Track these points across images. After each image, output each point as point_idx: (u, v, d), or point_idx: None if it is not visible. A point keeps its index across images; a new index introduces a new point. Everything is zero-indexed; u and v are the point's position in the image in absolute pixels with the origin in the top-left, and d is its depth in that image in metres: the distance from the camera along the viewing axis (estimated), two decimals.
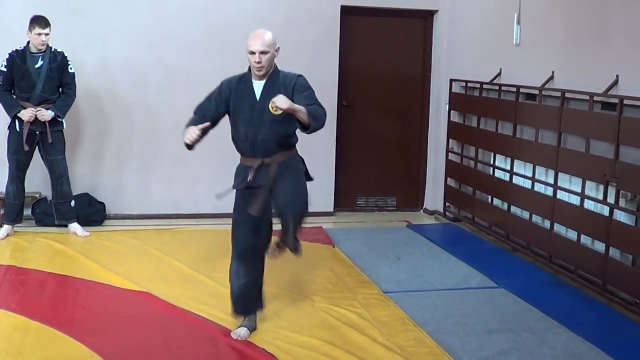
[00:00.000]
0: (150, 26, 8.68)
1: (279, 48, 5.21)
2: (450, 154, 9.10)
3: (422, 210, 9.80)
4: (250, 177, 5.15)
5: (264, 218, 5.23)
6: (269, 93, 5.08)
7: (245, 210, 5.17)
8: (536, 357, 5.15)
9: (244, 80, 5.25)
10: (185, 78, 8.80)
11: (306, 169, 5.41)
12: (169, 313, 5.80)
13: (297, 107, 4.83)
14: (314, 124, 4.96)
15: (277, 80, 5.17)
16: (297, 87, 5.14)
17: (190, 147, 5.22)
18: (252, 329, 5.41)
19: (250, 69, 5.24)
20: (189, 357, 5.02)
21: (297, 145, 5.36)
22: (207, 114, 5.25)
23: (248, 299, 5.44)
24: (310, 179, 5.42)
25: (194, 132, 5.05)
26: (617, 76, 6.21)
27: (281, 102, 4.73)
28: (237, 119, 5.21)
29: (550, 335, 5.52)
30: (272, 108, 4.97)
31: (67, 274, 6.68)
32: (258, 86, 5.18)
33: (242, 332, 5.35)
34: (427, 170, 9.76)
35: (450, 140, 9.09)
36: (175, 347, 5.18)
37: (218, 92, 5.32)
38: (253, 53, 5.07)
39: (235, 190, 5.35)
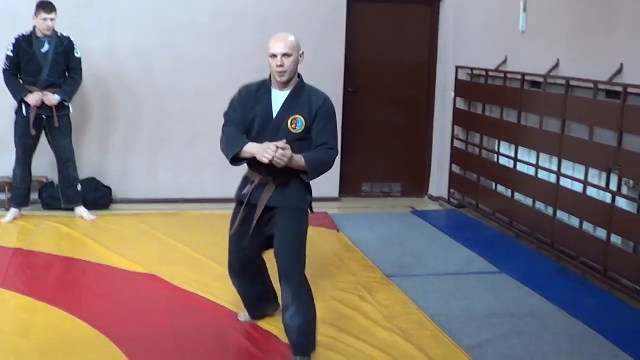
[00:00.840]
0: (156, 11, 8.71)
1: (303, 53, 4.72)
2: (455, 140, 9.13)
3: (426, 197, 9.84)
4: (247, 190, 4.78)
5: (255, 240, 4.87)
6: (290, 108, 4.66)
7: (237, 226, 4.86)
8: (536, 341, 5.20)
9: (264, 89, 4.76)
10: (192, 63, 8.85)
11: (310, 200, 4.86)
12: (175, 295, 5.87)
13: (295, 161, 4.48)
14: (313, 175, 4.61)
15: (301, 96, 4.69)
16: (321, 115, 4.66)
17: (240, 161, 4.72)
18: (257, 318, 5.39)
19: (270, 77, 4.76)
20: (193, 338, 5.08)
21: None
22: (240, 123, 4.72)
23: (258, 307, 5.31)
24: (311, 211, 4.91)
25: (271, 147, 4.46)
26: (622, 64, 6.23)
27: (277, 156, 4.40)
28: (250, 129, 4.72)
29: (551, 320, 5.57)
30: (291, 125, 4.62)
31: (73, 257, 6.76)
32: (277, 97, 4.71)
33: (247, 316, 5.40)
34: (432, 157, 9.80)
35: (456, 127, 9.12)
36: (180, 328, 5.24)
37: (239, 98, 4.80)
38: (275, 56, 4.59)
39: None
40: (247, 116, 4.71)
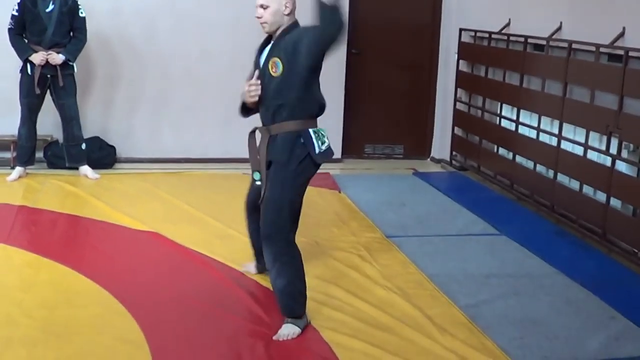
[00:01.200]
0: None
1: (289, 2, 4.53)
2: (457, 103, 9.15)
3: (429, 159, 9.89)
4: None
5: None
6: (272, 53, 4.56)
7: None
8: (533, 301, 5.26)
9: (265, 41, 4.72)
10: (195, 24, 8.86)
11: (301, 155, 4.59)
12: (176, 252, 5.95)
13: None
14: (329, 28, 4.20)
15: (284, 39, 4.52)
16: (303, 35, 4.43)
17: (248, 110, 4.79)
18: (261, 270, 5.42)
19: None
20: (193, 293, 5.14)
21: None
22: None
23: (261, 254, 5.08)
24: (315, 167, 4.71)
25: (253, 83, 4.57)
26: (624, 28, 6.23)
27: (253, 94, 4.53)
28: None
29: (548, 281, 5.63)
30: (271, 69, 4.52)
31: (77, 214, 6.83)
32: (269, 47, 4.65)
33: (250, 267, 5.49)
34: (435, 119, 9.82)
35: (458, 89, 9.13)
36: (181, 283, 5.33)
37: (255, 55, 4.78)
38: (256, 7, 4.54)
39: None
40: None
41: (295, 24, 4.60)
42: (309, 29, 4.39)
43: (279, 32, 4.57)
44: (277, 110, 4.56)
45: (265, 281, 5.36)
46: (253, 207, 5.09)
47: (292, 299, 4.66)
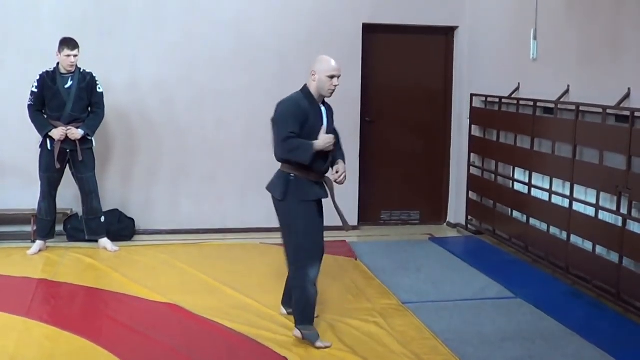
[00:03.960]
0: (177, 45, 8.94)
1: None
2: (471, 167, 9.24)
3: (445, 224, 9.94)
4: (317, 191, 5.60)
5: None
6: (329, 117, 5.66)
7: (319, 218, 5.64)
8: None
9: (311, 101, 5.56)
10: (213, 95, 9.07)
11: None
12: (194, 323, 6.00)
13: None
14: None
15: (329, 108, 5.73)
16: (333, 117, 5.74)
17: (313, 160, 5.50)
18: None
19: (302, 90, 5.60)
20: None
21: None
22: (297, 135, 5.47)
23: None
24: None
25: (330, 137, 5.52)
26: (629, 89, 6.34)
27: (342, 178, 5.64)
28: (313, 138, 5.47)
29: (563, 343, 5.64)
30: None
31: (96, 287, 6.93)
32: (322, 110, 5.64)
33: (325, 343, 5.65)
34: (450, 184, 9.90)
35: (472, 153, 9.23)
36: (198, 355, 5.37)
37: (294, 109, 5.47)
38: (333, 77, 5.51)
39: (289, 201, 5.58)
40: (302, 127, 5.46)
41: None
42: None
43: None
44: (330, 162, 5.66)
45: (281, 348, 5.42)
46: None
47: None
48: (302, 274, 5.56)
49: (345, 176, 5.61)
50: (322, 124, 5.54)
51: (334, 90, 5.55)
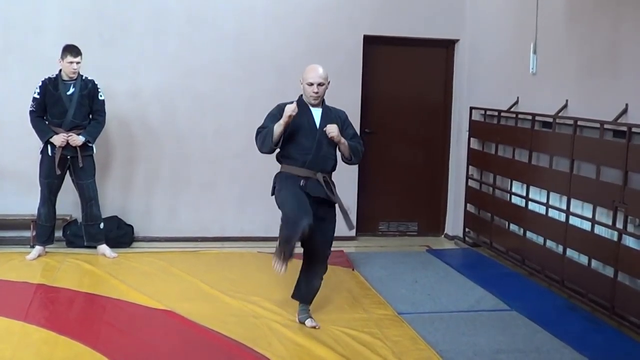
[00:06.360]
0: (179, 55, 9.00)
1: (329, 82, 6.06)
2: (469, 180, 9.29)
3: (442, 236, 9.98)
4: (302, 182, 5.90)
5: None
6: (326, 120, 5.98)
7: (299, 191, 5.87)
8: None
9: (301, 104, 5.96)
10: (213, 105, 9.12)
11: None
12: (190, 330, 6.04)
13: (342, 139, 5.94)
14: (354, 158, 6.12)
15: (330, 111, 6.09)
16: (346, 122, 6.17)
17: (276, 143, 5.89)
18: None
19: (301, 97, 6.05)
20: None
21: None
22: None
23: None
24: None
25: (291, 108, 5.79)
26: (626, 104, 6.39)
27: (334, 131, 5.84)
28: (298, 135, 5.93)
29: (558, 356, 5.68)
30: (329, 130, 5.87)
31: (94, 293, 6.96)
32: (315, 112, 6.02)
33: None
34: (448, 196, 9.95)
35: (470, 166, 9.28)
36: None
37: (278, 111, 5.95)
38: (311, 84, 5.92)
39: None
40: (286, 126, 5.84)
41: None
42: (348, 124, 6.22)
43: (321, 103, 6.06)
44: (333, 160, 6.06)
45: (277, 357, 5.45)
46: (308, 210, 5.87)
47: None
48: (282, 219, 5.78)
49: (334, 131, 5.86)
50: (312, 124, 5.96)
51: (316, 97, 5.96)
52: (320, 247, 6.13)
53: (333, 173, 6.16)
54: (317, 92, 5.94)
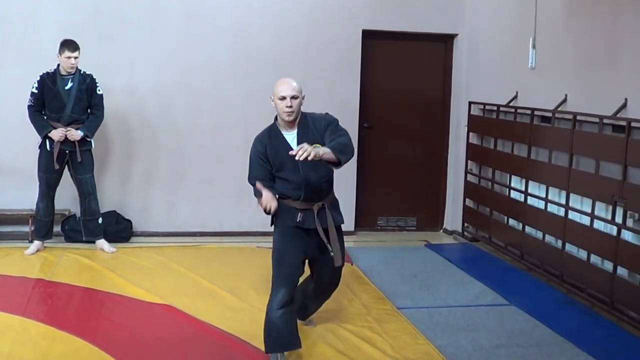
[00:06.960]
0: (176, 51, 8.98)
1: (304, 96, 5.28)
2: (468, 174, 9.28)
3: (441, 230, 9.98)
4: (299, 218, 5.26)
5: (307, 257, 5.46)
6: (304, 140, 5.04)
7: (293, 242, 5.31)
8: None
9: (274, 133, 5.29)
10: (210, 102, 9.11)
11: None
12: (189, 325, 6.05)
13: (320, 152, 4.85)
14: (343, 157, 5.01)
15: (307, 127, 5.25)
16: (329, 128, 5.23)
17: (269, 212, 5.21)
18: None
19: (275, 120, 5.32)
20: None
21: None
22: (266, 176, 5.28)
23: (291, 332, 5.34)
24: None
25: (271, 200, 5.11)
26: (626, 99, 6.38)
27: (303, 155, 4.67)
28: (284, 172, 5.26)
29: (556, 350, 5.68)
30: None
31: (93, 287, 6.96)
32: (290, 137, 5.25)
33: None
34: (447, 191, 9.94)
35: (469, 161, 9.27)
36: (193, 356, 5.41)
37: (256, 152, 5.31)
38: (284, 98, 5.13)
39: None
40: (268, 164, 5.27)
41: (303, 114, 5.33)
42: (329, 126, 5.24)
43: (296, 122, 5.26)
44: (328, 181, 5.39)
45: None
46: (297, 280, 5.47)
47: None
48: (269, 298, 5.32)
49: (303, 155, 4.69)
50: (290, 150, 4.97)
51: (290, 112, 5.15)
52: (331, 278, 5.65)
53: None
54: (290, 107, 5.12)
